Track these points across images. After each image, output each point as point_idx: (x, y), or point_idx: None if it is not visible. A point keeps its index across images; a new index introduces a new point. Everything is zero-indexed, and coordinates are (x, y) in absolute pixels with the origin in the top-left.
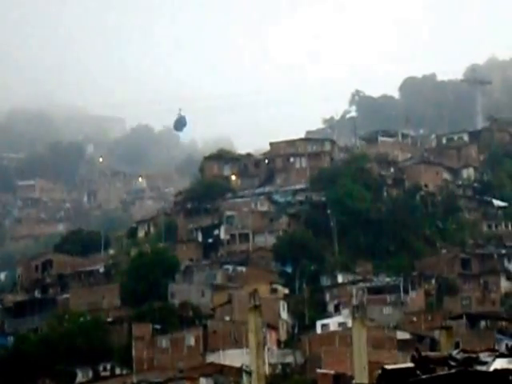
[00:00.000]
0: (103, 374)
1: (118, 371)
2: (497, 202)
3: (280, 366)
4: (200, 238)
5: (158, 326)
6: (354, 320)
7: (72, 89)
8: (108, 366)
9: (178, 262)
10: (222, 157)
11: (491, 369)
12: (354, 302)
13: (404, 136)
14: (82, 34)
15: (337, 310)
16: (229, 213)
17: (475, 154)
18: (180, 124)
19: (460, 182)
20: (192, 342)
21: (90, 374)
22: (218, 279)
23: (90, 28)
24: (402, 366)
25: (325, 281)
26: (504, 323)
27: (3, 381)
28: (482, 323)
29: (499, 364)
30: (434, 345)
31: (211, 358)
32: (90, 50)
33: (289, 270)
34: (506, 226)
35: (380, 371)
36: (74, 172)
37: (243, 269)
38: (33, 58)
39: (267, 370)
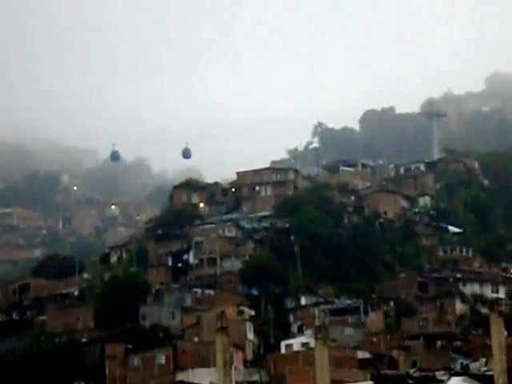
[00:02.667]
0: None
1: None
2: (452, 228)
3: None
4: (170, 263)
5: (130, 346)
6: (317, 340)
7: (48, 122)
8: None
9: (149, 285)
10: (191, 186)
11: None
12: (317, 323)
13: (364, 166)
14: (58, 69)
15: (300, 330)
16: (197, 239)
17: (431, 182)
18: (187, 153)
19: (417, 210)
20: (163, 361)
21: None
22: (188, 302)
23: (64, 63)
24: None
25: (289, 303)
26: (459, 343)
27: None
28: (438, 343)
29: (454, 382)
30: (392, 364)
31: (181, 376)
32: (65, 85)
33: (255, 292)
34: (461, 251)
35: None
36: (50, 200)
37: (211, 292)
38: (10, 91)
39: None
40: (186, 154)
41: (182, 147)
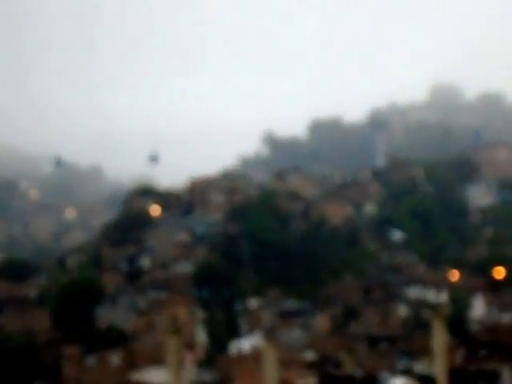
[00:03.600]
0: None
1: None
2: (396, 235)
3: None
4: (124, 267)
5: (85, 348)
6: (265, 342)
7: (5, 128)
8: None
9: (104, 288)
10: (145, 192)
11: None
12: (265, 325)
13: (312, 173)
14: (13, 75)
15: (249, 332)
16: (151, 243)
17: (376, 190)
18: (154, 158)
19: (362, 216)
20: (117, 361)
21: None
22: (141, 304)
23: (18, 68)
24: None
25: (238, 305)
26: (402, 345)
27: None
28: (383, 345)
29: (397, 382)
30: (338, 365)
31: (135, 376)
32: (22, 92)
33: (206, 295)
34: (404, 257)
35: None
36: (8, 205)
37: (164, 295)
38: None
39: None
40: (154, 159)
41: (150, 152)
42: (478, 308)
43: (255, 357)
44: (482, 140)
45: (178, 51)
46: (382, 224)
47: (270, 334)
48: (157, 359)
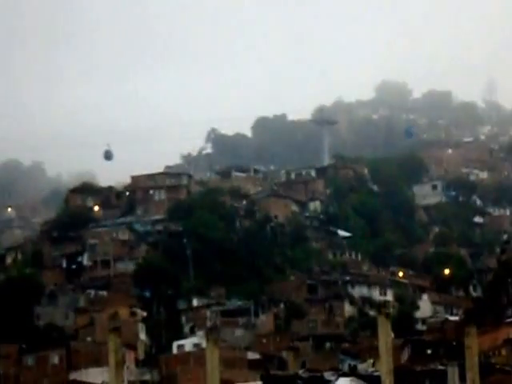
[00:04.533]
0: None
1: None
2: (341, 233)
3: None
4: (64, 265)
5: (24, 346)
6: (208, 341)
7: None
8: None
9: (43, 286)
10: (86, 189)
11: None
12: (208, 324)
13: (256, 171)
14: None
15: (192, 331)
16: (91, 241)
17: (321, 188)
18: (108, 154)
19: (307, 214)
20: (56, 360)
21: None
22: (81, 303)
23: None
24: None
25: (181, 304)
26: (347, 344)
27: None
28: (327, 344)
29: (342, 383)
30: (282, 364)
31: (74, 375)
32: None
33: (147, 294)
34: (350, 255)
35: None
36: None
37: (104, 293)
38: None
39: None
40: (108, 156)
41: (104, 148)
42: (425, 307)
43: (197, 356)
44: (414, 137)
45: (127, 47)
46: (327, 222)
47: (212, 333)
48: (97, 358)
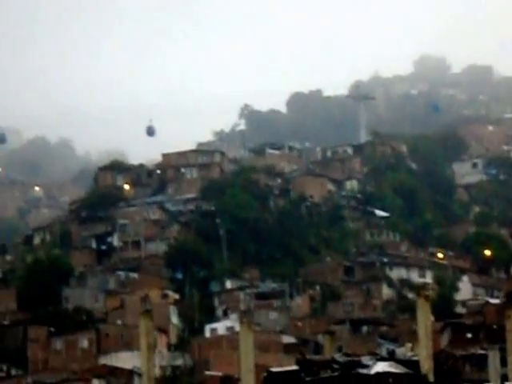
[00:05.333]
0: None
1: (13, 372)
2: (379, 212)
3: (170, 369)
4: (94, 245)
5: (52, 329)
6: (242, 324)
7: None
8: (4, 367)
9: (72, 268)
10: (116, 167)
11: (372, 372)
12: (242, 307)
13: (290, 148)
14: None
15: (225, 314)
16: (122, 221)
17: (358, 166)
18: (151, 130)
19: (344, 193)
20: (85, 344)
21: None
22: (111, 285)
23: None
24: (287, 368)
25: (214, 287)
26: (385, 328)
27: None
28: (364, 328)
29: (380, 367)
30: (317, 348)
31: (104, 360)
32: None
33: (179, 276)
34: (388, 235)
35: (266, 374)
36: None
37: (135, 275)
38: None
39: (157, 372)
40: (150, 132)
41: (147, 124)
42: (465, 289)
43: (231, 340)
44: (440, 112)
45: (149, 22)
46: (365, 201)
47: (246, 316)
48: (127, 342)
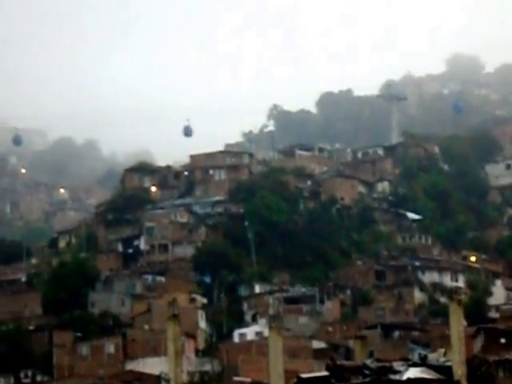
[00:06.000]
0: (24, 380)
1: (39, 378)
2: (411, 215)
3: (198, 374)
4: (120, 249)
5: (78, 334)
6: (271, 329)
7: None
8: (29, 373)
9: (98, 271)
10: (143, 169)
11: (404, 378)
12: (271, 311)
13: (321, 150)
14: (3, 48)
15: (254, 319)
16: (149, 224)
17: (390, 167)
18: (188, 131)
19: (375, 195)
20: (112, 349)
21: (12, 380)
22: (138, 289)
23: (11, 40)
24: (317, 374)
25: (242, 291)
26: (417, 333)
27: None
28: (396, 333)
29: (412, 373)
30: (348, 354)
31: (130, 365)
32: (11, 62)
33: (207, 280)
34: (420, 239)
35: (296, 380)
36: None
37: (162, 279)
38: None
39: (185, 378)
40: (188, 132)
41: (184, 125)
42: (498, 293)
43: (260, 345)
44: (461, 113)
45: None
46: (396, 204)
47: (275, 321)
48: (155, 348)
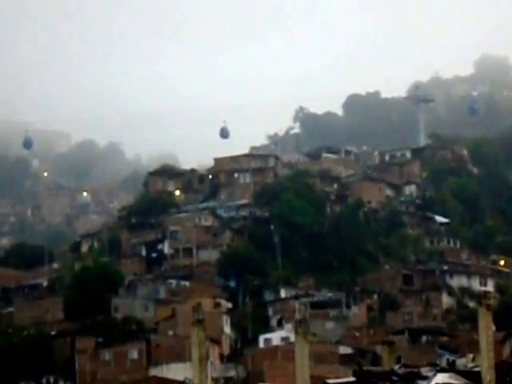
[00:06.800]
0: None
1: None
2: (439, 218)
3: (223, 380)
4: (144, 253)
5: (101, 340)
6: (297, 334)
7: (17, 104)
8: (51, 379)
9: (121, 276)
10: (167, 172)
11: (432, 383)
12: (297, 316)
13: (347, 152)
14: (29, 49)
15: (280, 324)
16: (173, 227)
17: (417, 170)
18: (225, 132)
19: (402, 199)
20: (135, 355)
21: None
22: (162, 294)
23: (37, 43)
24: (344, 380)
25: (268, 295)
26: (445, 338)
27: None
28: (424, 338)
29: (440, 379)
30: (375, 359)
31: (154, 371)
32: (35, 65)
33: (232, 284)
34: (448, 242)
35: None
36: (19, 186)
37: (187, 283)
38: None
39: (210, 383)
40: (224, 134)
41: (220, 126)
42: None
43: (285, 351)
44: (476, 114)
45: (206, 22)
46: (424, 207)
47: (301, 326)
48: (179, 353)
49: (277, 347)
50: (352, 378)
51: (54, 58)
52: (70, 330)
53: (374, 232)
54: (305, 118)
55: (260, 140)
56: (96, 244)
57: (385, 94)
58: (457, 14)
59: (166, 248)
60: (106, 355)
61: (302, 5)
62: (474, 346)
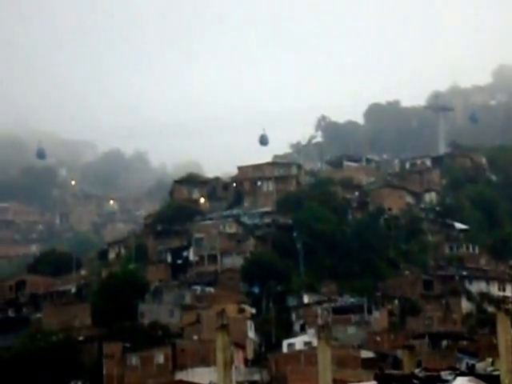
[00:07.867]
0: None
1: None
2: (458, 225)
3: None
4: (169, 260)
5: (128, 345)
6: (320, 339)
7: (45, 114)
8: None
9: (147, 282)
10: (191, 180)
11: None
12: (320, 321)
13: (368, 161)
14: (56, 59)
15: (302, 329)
16: (197, 235)
17: (437, 178)
18: (264, 139)
19: (422, 206)
20: (161, 360)
21: None
22: (187, 299)
23: (63, 53)
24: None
25: (291, 301)
26: (465, 342)
27: None
28: (444, 342)
29: (460, 382)
30: (396, 363)
31: (180, 375)
32: (63, 76)
33: (256, 290)
34: (467, 248)
35: None
36: (47, 195)
37: (211, 289)
38: (5, 82)
39: None
40: (264, 141)
41: (260, 134)
42: None
43: (308, 355)
44: (478, 123)
45: (225, 32)
46: (444, 214)
47: (324, 330)
48: (204, 358)
49: (300, 352)
50: (373, 382)
51: (80, 69)
52: (97, 336)
53: (395, 238)
54: (327, 126)
55: (283, 149)
56: (123, 251)
57: (405, 103)
58: (475, 24)
59: (191, 255)
60: (133, 360)
61: (324, 15)
62: (492, 350)
